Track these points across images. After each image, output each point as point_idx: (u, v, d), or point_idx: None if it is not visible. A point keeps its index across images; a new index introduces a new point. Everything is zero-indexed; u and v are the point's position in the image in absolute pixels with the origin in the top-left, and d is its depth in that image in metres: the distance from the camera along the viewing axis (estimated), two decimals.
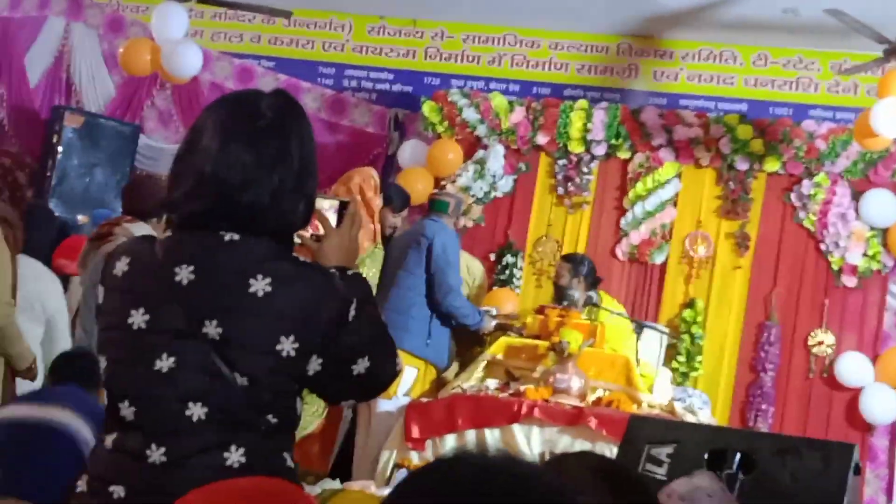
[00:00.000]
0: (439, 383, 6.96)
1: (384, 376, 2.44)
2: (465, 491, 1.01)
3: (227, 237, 2.33)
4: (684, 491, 2.52)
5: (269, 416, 2.30)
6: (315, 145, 2.46)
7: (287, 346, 2.27)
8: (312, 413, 6.51)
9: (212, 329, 2.26)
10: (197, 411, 2.26)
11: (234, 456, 2.25)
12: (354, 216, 2.55)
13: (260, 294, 2.27)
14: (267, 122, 2.38)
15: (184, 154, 2.41)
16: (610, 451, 5.46)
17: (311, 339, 2.30)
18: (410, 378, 6.78)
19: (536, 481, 1.04)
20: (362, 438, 6.75)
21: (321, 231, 2.53)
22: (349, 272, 2.45)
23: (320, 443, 6.66)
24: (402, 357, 6.77)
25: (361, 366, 2.36)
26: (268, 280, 2.27)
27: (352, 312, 2.34)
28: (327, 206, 2.53)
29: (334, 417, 6.78)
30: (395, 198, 7.23)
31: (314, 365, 2.32)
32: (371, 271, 6.36)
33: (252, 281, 2.27)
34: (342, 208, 2.55)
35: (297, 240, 2.50)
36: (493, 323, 7.27)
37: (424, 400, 6.66)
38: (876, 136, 7.50)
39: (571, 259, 7.64)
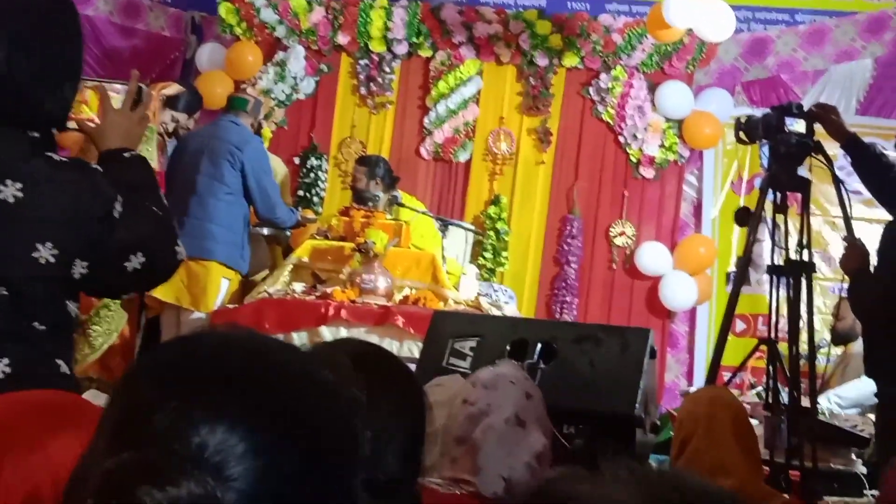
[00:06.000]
0: (243, 289, 6.87)
1: (163, 267, 2.38)
2: (202, 362, 1.00)
3: None
4: (487, 379, 2.55)
5: (36, 324, 2.21)
6: (80, 43, 2.33)
7: (45, 252, 2.18)
8: (106, 330, 6.37)
9: None
10: None
11: None
12: (146, 97, 2.47)
13: (10, 200, 2.16)
14: (21, 6, 2.25)
15: None
16: (418, 347, 5.50)
17: (71, 243, 2.20)
18: (225, 289, 6.68)
19: (275, 354, 1.04)
20: None
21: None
22: (127, 154, 2.36)
23: (121, 355, 6.53)
24: (216, 268, 6.60)
25: (136, 261, 2.28)
26: (18, 185, 2.16)
27: (117, 209, 2.25)
28: (114, 94, 2.44)
29: (132, 329, 6.66)
30: (187, 98, 7.03)
31: (79, 268, 2.23)
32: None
33: (1, 187, 2.16)
34: (137, 95, 2.46)
35: (73, 125, 2.39)
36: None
37: (231, 306, 6.58)
38: (668, 28, 7.64)
39: (366, 162, 7.58)
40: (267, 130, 8.66)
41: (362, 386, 1.09)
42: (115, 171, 2.35)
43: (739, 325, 8.32)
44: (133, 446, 0.92)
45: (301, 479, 0.96)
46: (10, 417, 1.81)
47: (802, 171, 4.77)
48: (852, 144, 4.67)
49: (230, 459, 0.92)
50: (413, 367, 4.67)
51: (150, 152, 6.58)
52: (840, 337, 6.85)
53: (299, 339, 6.28)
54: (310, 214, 7.49)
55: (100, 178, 2.26)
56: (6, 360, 2.17)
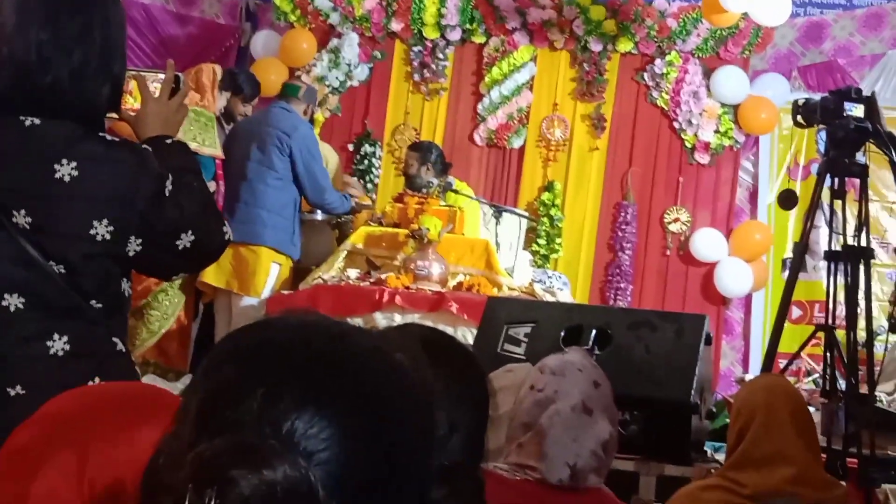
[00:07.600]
0: (295, 275, 6.91)
1: (212, 246, 2.43)
2: (284, 347, 1.02)
3: (28, 122, 2.25)
4: (555, 365, 2.56)
5: (93, 302, 2.26)
6: (124, 26, 2.39)
7: (101, 229, 2.23)
8: (164, 315, 6.44)
9: (21, 219, 2.21)
10: (14, 301, 2.22)
11: (58, 344, 2.22)
12: (183, 85, 2.52)
13: (67, 179, 2.21)
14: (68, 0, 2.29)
15: None
16: (472, 334, 5.50)
17: (125, 220, 2.26)
18: (275, 274, 6.73)
19: (353, 338, 1.05)
20: (222, 333, 6.68)
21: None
22: (168, 140, 2.41)
23: (178, 340, 6.60)
24: (266, 253, 6.60)
25: (186, 240, 2.33)
26: (73, 164, 2.22)
27: (168, 187, 2.31)
28: (151, 79, 2.50)
29: (188, 314, 6.72)
30: (245, 86, 7.10)
31: (133, 246, 2.29)
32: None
33: (57, 166, 2.21)
34: (175, 83, 2.51)
35: (114, 115, 2.45)
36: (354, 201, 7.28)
37: (285, 292, 6.63)
38: (724, 12, 7.58)
39: (418, 147, 7.62)
40: (320, 116, 8.70)
41: (431, 370, 1.11)
42: (157, 157, 2.40)
43: (796, 312, 8.25)
44: (222, 432, 0.94)
45: (384, 461, 0.99)
46: (94, 409, 1.83)
47: (860, 157, 4.72)
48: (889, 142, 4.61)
49: (319, 443, 0.95)
50: None
51: (213, 139, 6.63)
52: None
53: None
54: (366, 200, 7.51)
55: (151, 157, 2.32)
56: (65, 338, 2.22)
